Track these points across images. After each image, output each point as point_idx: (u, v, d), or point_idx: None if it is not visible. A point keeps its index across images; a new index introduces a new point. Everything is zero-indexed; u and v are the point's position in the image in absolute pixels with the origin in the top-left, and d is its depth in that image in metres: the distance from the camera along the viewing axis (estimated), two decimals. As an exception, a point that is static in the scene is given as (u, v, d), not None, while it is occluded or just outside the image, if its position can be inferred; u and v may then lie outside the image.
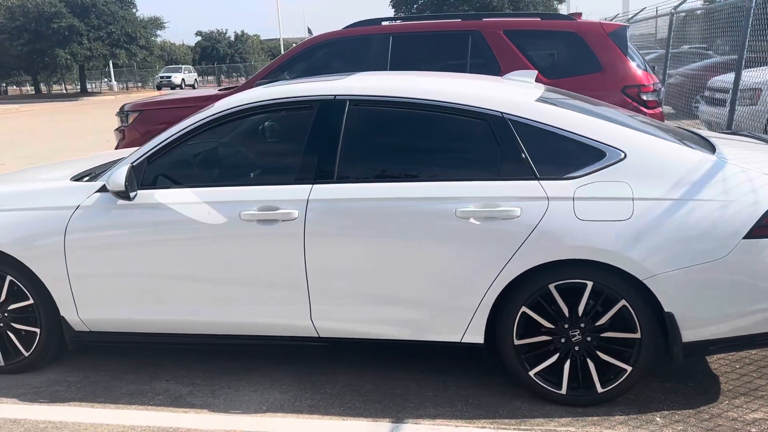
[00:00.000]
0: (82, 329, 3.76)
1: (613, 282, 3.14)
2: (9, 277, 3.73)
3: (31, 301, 3.74)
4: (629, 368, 3.19)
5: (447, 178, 3.32)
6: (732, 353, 3.72)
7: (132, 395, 3.62)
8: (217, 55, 78.33)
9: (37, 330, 3.78)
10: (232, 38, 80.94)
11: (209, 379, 3.75)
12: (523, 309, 3.24)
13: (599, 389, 3.24)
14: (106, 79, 53.41)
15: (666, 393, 3.40)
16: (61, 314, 3.72)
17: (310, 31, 20.70)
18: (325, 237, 3.36)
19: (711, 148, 3.46)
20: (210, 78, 63.54)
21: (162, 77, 50.29)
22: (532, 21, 6.33)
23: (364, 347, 3.57)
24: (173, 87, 48.95)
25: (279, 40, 58.43)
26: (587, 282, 3.15)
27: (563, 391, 3.28)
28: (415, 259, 3.29)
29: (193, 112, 6.53)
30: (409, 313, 3.37)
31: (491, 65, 6.07)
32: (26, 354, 3.83)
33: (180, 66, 56.52)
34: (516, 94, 3.54)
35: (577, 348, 3.23)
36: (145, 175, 3.58)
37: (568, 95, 3.92)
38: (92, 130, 18.27)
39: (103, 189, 3.62)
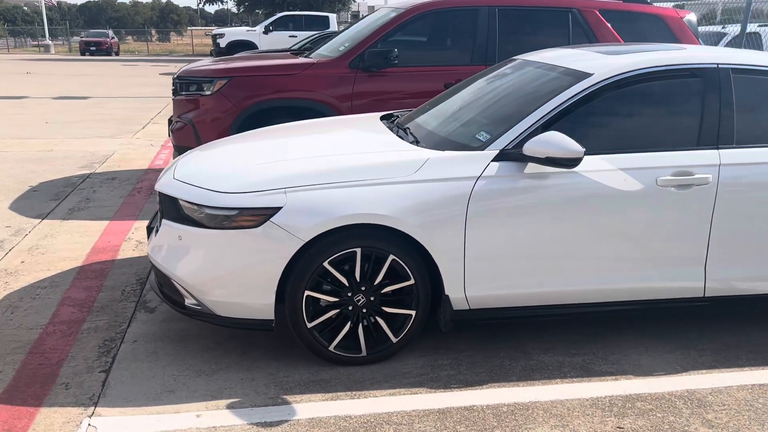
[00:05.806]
0: (462, 308, 3.51)
1: None
2: (391, 256, 3.35)
3: (412, 281, 3.41)
4: None
5: None
6: None
7: (533, 370, 3.49)
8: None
9: (412, 312, 3.46)
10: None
11: (582, 348, 3.74)
12: None
13: None
14: None
15: None
16: (446, 293, 3.44)
17: None
18: (734, 200, 3.55)
19: None
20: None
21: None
22: (620, 3, 6.78)
23: (742, 303, 3.82)
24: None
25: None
26: None
27: None
28: None
29: (289, 80, 6.09)
30: None
31: (590, 41, 6.44)
32: (394, 340, 3.49)
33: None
34: None
35: None
36: (538, 143, 3.44)
37: None
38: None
39: (499, 157, 3.42)
